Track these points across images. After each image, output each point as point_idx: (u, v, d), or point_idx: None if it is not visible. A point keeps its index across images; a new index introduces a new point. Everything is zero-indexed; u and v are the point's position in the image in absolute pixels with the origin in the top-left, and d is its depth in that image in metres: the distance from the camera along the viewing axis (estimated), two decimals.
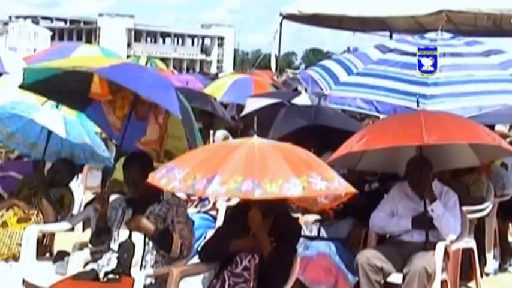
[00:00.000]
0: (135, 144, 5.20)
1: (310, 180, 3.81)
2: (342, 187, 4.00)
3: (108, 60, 4.84)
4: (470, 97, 5.79)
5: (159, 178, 4.00)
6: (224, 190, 3.72)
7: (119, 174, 5.16)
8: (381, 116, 9.81)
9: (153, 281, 4.54)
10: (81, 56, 5.48)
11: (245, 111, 8.56)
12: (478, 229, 6.57)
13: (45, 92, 5.24)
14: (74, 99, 5.28)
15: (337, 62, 6.65)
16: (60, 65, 4.77)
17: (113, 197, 4.99)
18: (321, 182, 3.84)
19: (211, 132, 8.75)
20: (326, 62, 6.90)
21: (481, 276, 6.56)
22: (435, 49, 5.80)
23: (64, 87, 5.00)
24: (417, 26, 15.11)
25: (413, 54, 6.14)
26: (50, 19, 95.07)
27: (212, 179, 3.73)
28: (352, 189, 4.06)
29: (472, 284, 6.42)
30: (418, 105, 5.63)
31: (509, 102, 5.78)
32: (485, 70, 6.02)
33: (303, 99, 8.25)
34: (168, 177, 3.95)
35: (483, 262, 6.75)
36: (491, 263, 6.91)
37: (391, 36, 17.61)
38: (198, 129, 5.00)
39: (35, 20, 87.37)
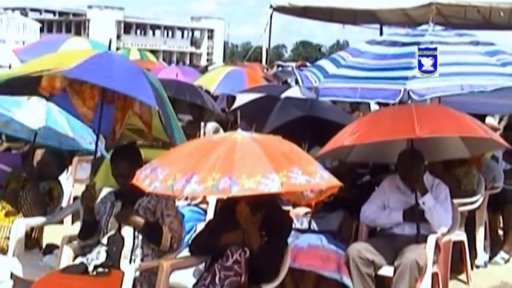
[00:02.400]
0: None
1: (289, 175, 3.74)
2: (324, 181, 3.93)
3: (81, 54, 4.68)
4: (453, 77, 5.81)
5: (143, 178, 3.98)
6: (202, 189, 3.68)
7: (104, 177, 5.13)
8: (372, 108, 9.87)
9: (143, 274, 4.51)
10: (58, 54, 5.31)
11: (235, 105, 8.54)
12: (469, 222, 6.59)
13: (11, 90, 5.11)
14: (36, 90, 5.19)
15: (329, 59, 6.70)
16: (26, 71, 4.61)
17: (102, 191, 4.95)
18: (302, 176, 3.78)
19: (202, 124, 8.72)
20: (320, 61, 6.96)
21: (472, 268, 6.57)
22: (435, 49, 5.80)
23: (25, 81, 4.88)
24: (407, 18, 15.14)
25: (402, 44, 6.14)
26: (39, 11, 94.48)
27: (190, 178, 3.70)
28: (336, 183, 3.99)
29: (462, 276, 6.43)
30: (401, 88, 5.65)
31: (492, 83, 5.79)
32: (471, 55, 6.04)
33: (294, 92, 8.23)
34: (151, 178, 3.92)
35: (473, 254, 6.75)
36: (482, 256, 6.92)
37: (381, 29, 17.67)
38: (176, 119, 4.93)
39: (23, 11, 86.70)
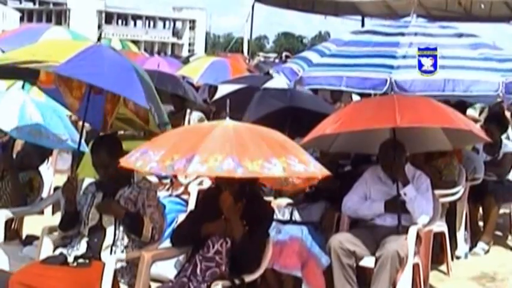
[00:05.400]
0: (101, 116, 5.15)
1: (289, 162, 3.84)
2: (317, 170, 4.05)
3: (71, 48, 4.62)
4: (436, 70, 5.85)
5: (134, 161, 3.95)
6: (205, 168, 3.69)
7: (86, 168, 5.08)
8: (354, 99, 9.90)
9: (124, 265, 4.49)
10: (44, 43, 5.22)
11: (217, 96, 8.50)
12: (449, 213, 6.62)
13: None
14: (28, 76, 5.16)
15: (313, 50, 6.74)
16: (15, 59, 4.55)
17: (84, 182, 4.92)
18: (299, 164, 3.87)
19: (188, 111, 8.67)
20: (303, 53, 6.99)
21: (452, 259, 6.61)
22: (435, 49, 5.83)
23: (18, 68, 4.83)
24: (388, 10, 15.22)
25: (385, 34, 6.18)
26: (19, 0, 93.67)
27: (191, 158, 3.70)
28: (326, 172, 4.10)
29: (443, 267, 6.47)
30: (386, 77, 5.68)
31: (473, 78, 5.84)
32: (454, 49, 6.09)
33: (276, 83, 8.20)
34: (143, 160, 3.89)
35: (454, 245, 6.79)
36: (462, 247, 6.96)
37: (362, 21, 17.71)
38: (163, 109, 4.91)
39: (3, 0, 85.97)
